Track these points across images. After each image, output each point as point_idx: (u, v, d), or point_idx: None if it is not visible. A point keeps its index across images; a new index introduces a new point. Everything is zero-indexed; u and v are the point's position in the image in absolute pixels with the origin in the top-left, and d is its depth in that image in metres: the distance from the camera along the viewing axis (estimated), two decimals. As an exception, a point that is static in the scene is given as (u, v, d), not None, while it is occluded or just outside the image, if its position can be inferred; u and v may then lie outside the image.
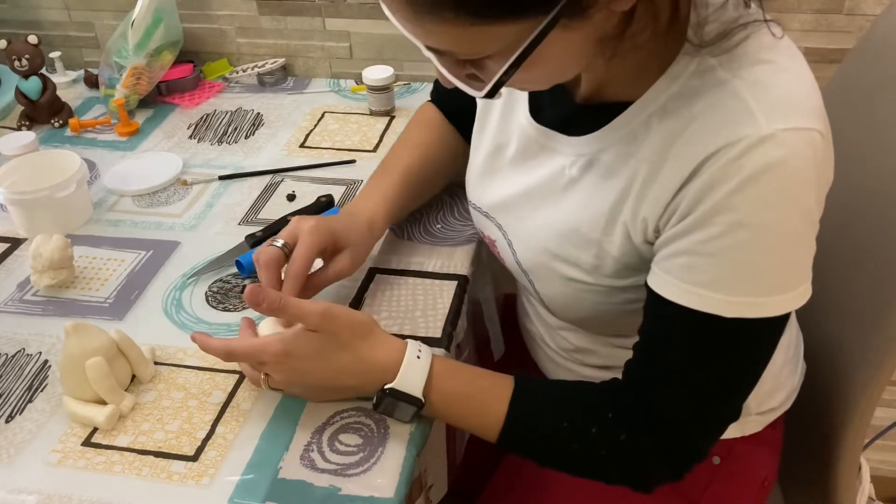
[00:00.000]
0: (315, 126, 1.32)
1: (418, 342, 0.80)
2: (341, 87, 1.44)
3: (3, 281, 1.02)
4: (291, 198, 1.14)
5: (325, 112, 1.36)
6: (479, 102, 0.91)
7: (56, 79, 1.42)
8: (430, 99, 1.08)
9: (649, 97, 0.70)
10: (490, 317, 1.11)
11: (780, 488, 1.09)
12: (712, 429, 0.76)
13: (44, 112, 1.34)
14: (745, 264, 0.66)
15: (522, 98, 0.84)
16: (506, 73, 0.62)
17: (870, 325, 0.91)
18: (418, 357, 0.78)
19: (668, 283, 0.70)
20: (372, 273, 0.99)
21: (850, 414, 0.93)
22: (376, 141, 1.26)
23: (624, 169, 0.73)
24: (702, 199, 0.66)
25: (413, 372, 0.77)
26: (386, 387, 0.77)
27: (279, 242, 0.86)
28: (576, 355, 0.94)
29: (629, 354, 0.76)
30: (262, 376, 0.79)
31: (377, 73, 1.30)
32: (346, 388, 0.80)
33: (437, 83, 1.09)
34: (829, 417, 0.97)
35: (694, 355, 0.71)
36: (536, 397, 0.79)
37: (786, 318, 0.70)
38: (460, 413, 0.80)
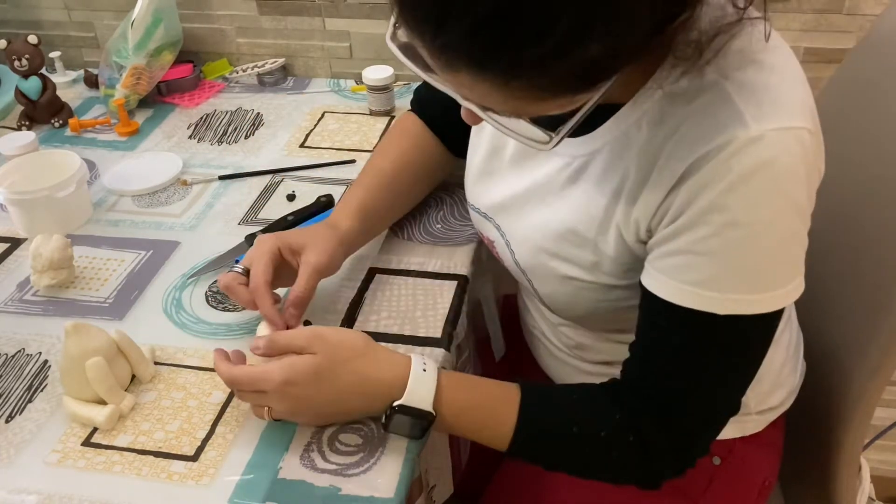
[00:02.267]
0: (315, 126, 1.32)
1: (422, 356, 0.79)
2: (341, 87, 1.44)
3: (3, 281, 1.02)
4: (291, 198, 1.14)
5: (325, 112, 1.36)
6: None
7: (56, 79, 1.42)
8: (409, 108, 1.07)
9: (640, 99, 0.71)
10: (490, 317, 1.11)
11: (780, 488, 1.09)
12: (713, 424, 0.77)
13: (44, 112, 1.34)
14: (738, 263, 0.67)
15: None
16: (570, 126, 0.64)
17: (870, 325, 0.91)
18: (424, 370, 0.76)
19: (661, 282, 0.70)
20: (372, 273, 0.99)
21: (850, 414, 0.93)
22: (376, 141, 1.26)
23: (616, 171, 0.73)
24: (693, 199, 0.66)
25: (421, 386, 0.75)
26: (395, 404, 0.75)
27: (239, 268, 0.86)
28: (577, 351, 0.94)
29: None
30: (265, 409, 0.77)
31: (377, 73, 1.30)
32: (352, 409, 0.79)
33: (418, 91, 1.07)
34: (829, 417, 0.96)
35: (690, 353, 0.72)
36: (544, 403, 0.79)
37: (780, 313, 0.71)
38: (470, 424, 0.79)
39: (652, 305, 0.72)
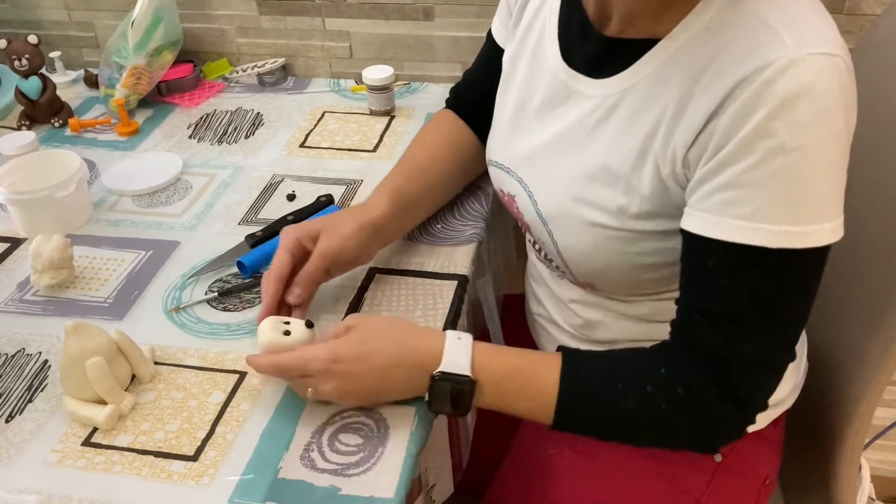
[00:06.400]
0: (315, 126, 1.32)
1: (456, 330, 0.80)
2: (341, 87, 1.44)
3: (3, 281, 1.02)
4: (291, 197, 1.14)
5: (325, 112, 1.36)
6: (505, 63, 0.94)
7: (56, 79, 1.42)
8: (445, 106, 1.09)
9: (678, 32, 0.72)
10: (490, 317, 1.11)
11: (781, 488, 1.09)
12: (769, 369, 0.75)
13: (44, 112, 1.34)
14: (786, 191, 0.67)
15: (552, 44, 0.85)
16: None
17: (870, 325, 0.91)
18: (459, 339, 0.78)
19: (706, 221, 0.70)
20: (372, 273, 0.99)
21: (850, 414, 0.93)
22: (376, 141, 1.26)
23: (655, 103, 0.74)
24: (738, 127, 0.67)
25: (457, 353, 0.77)
26: (435, 372, 0.76)
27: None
28: (585, 331, 0.93)
29: (638, 328, 0.76)
30: (309, 389, 0.79)
31: (377, 73, 1.30)
32: (395, 382, 0.79)
33: (454, 89, 1.09)
34: (830, 417, 0.96)
35: (740, 293, 0.70)
36: (586, 363, 0.79)
37: (826, 252, 0.70)
38: (511, 391, 0.78)
39: (696, 248, 0.71)
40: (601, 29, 0.80)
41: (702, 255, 0.71)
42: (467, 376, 0.76)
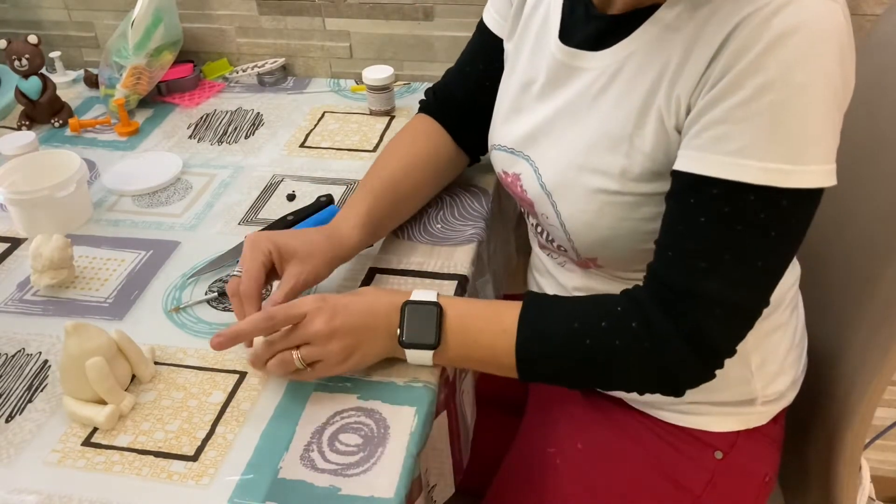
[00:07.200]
0: (315, 126, 1.32)
1: None
2: (341, 87, 1.44)
3: (3, 281, 1.02)
4: (291, 197, 1.14)
5: (325, 112, 1.36)
6: (508, 55, 0.94)
7: (56, 79, 1.42)
8: (419, 108, 1.07)
9: None
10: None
11: (781, 487, 1.09)
12: (737, 312, 0.73)
13: (44, 112, 1.34)
14: (775, 127, 0.67)
15: (554, 27, 0.86)
16: None
17: (870, 324, 0.91)
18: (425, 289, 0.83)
19: (696, 158, 0.70)
20: (372, 273, 0.99)
21: (850, 414, 0.93)
22: (376, 141, 1.26)
23: (656, 60, 0.75)
24: (734, 63, 0.68)
25: (425, 292, 0.82)
26: (404, 301, 0.81)
27: (238, 272, 0.86)
28: None
29: None
30: (295, 354, 0.79)
31: (377, 73, 1.30)
32: (377, 319, 0.81)
33: (429, 93, 1.07)
34: (830, 417, 0.96)
35: (720, 231, 0.70)
36: (548, 305, 0.80)
37: (815, 197, 0.69)
38: (474, 326, 0.80)
39: (682, 187, 0.72)
40: (605, 10, 0.80)
41: (686, 192, 0.71)
42: (434, 301, 0.81)
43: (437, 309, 0.80)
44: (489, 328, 0.80)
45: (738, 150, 0.68)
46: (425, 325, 0.80)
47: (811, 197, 0.69)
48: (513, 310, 0.80)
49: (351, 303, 0.81)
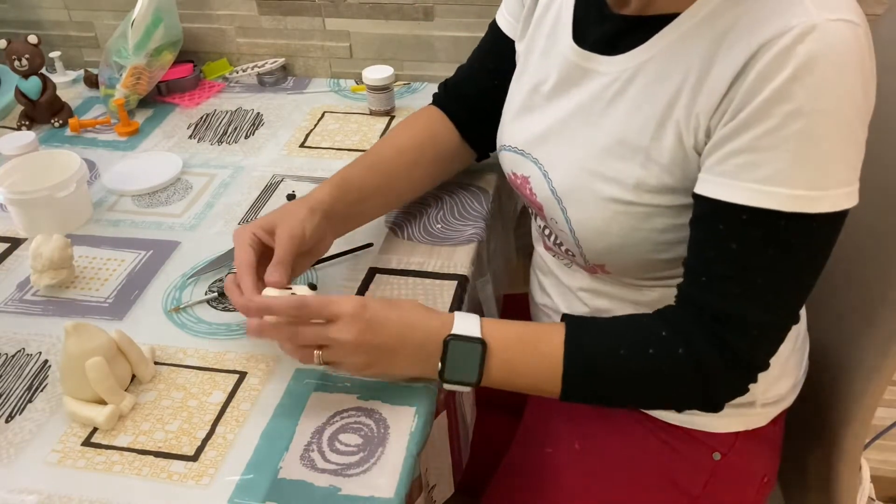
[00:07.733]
0: (315, 126, 1.32)
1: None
2: (341, 87, 1.44)
3: (3, 281, 1.02)
4: (291, 197, 1.14)
5: (325, 112, 1.36)
6: (520, 55, 0.94)
7: (56, 79, 1.42)
8: (432, 101, 1.08)
9: (700, 4, 0.72)
10: (490, 317, 1.11)
11: (780, 487, 1.09)
12: (772, 331, 0.76)
13: (44, 112, 1.34)
14: (804, 155, 0.67)
15: (566, 27, 0.85)
16: None
17: (870, 324, 0.91)
18: (467, 314, 0.81)
19: (722, 184, 0.70)
20: (372, 273, 0.99)
21: (850, 414, 0.93)
22: (376, 141, 1.26)
23: (674, 71, 0.74)
24: (758, 90, 0.67)
25: (468, 321, 0.79)
26: (447, 335, 0.78)
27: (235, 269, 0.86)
28: None
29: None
30: (317, 353, 0.78)
31: (377, 73, 1.30)
32: (410, 342, 0.79)
33: (442, 86, 1.08)
34: (830, 417, 0.96)
35: (751, 256, 0.71)
36: (590, 329, 0.80)
37: (842, 217, 0.70)
38: (519, 357, 0.79)
39: (708, 212, 0.72)
40: (619, 10, 0.80)
41: (713, 218, 0.72)
42: (479, 337, 0.78)
43: (481, 347, 0.78)
44: (532, 361, 0.79)
45: (767, 178, 0.68)
46: (469, 363, 0.78)
47: (838, 218, 0.70)
48: (555, 336, 0.79)
49: (388, 321, 0.78)
